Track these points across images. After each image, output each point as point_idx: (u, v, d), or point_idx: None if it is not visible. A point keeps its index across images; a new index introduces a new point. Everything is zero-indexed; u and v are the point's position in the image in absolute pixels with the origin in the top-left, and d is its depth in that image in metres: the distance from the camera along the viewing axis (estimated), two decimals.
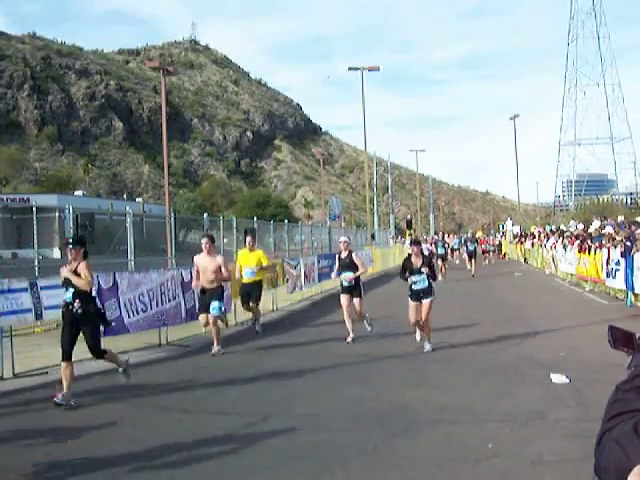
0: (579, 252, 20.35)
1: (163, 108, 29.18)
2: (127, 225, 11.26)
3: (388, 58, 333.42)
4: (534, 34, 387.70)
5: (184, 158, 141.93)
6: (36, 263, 10.99)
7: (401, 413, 6.51)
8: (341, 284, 11.39)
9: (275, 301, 16.01)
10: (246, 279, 12.42)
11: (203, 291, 10.22)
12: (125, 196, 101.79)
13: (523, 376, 7.99)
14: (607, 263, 16.57)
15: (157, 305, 10.82)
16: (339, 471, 4.92)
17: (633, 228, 17.00)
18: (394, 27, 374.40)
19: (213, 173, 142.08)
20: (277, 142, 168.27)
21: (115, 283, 9.93)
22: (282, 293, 16.68)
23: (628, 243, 15.20)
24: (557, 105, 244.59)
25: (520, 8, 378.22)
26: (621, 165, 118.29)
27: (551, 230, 33.28)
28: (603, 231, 20.14)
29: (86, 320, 7.07)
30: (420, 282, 9.70)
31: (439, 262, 26.49)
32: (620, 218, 26.07)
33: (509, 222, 55.07)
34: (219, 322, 10.45)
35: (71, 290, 7.03)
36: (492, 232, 76.85)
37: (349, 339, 10.94)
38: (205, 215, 14.35)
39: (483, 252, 38.34)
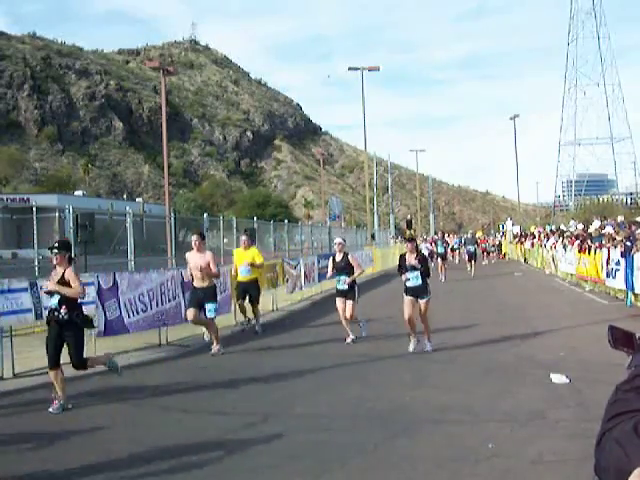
0: (579, 252, 20.35)
1: (163, 108, 29.22)
2: (127, 225, 11.26)
3: (388, 58, 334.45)
4: (534, 34, 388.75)
5: (184, 158, 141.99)
6: (36, 263, 11.00)
7: (401, 413, 6.50)
8: (336, 287, 11.34)
9: (275, 301, 16.02)
10: (241, 277, 12.47)
11: (194, 288, 10.23)
12: (125, 196, 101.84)
13: (523, 376, 7.98)
14: (607, 263, 16.57)
15: (157, 305, 10.82)
16: (339, 471, 4.92)
17: (633, 228, 17.00)
18: (394, 27, 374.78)
19: (213, 173, 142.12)
20: (277, 142, 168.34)
21: (115, 283, 9.92)
22: (282, 293, 16.68)
23: (628, 243, 15.20)
24: (557, 105, 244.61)
25: (520, 8, 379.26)
26: (621, 165, 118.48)
27: (551, 230, 33.28)
28: (603, 231, 20.14)
29: (71, 327, 6.90)
30: (413, 279, 9.71)
31: (439, 261, 26.53)
32: (620, 218, 26.04)
33: (509, 222, 55.10)
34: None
35: (57, 297, 6.87)
36: (492, 232, 76.84)
37: (349, 339, 10.93)
38: (205, 215, 14.35)
39: (483, 251, 38.36)
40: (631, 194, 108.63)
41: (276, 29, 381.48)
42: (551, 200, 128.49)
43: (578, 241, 21.46)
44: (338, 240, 11.63)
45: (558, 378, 7.50)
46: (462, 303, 17.17)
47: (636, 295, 14.42)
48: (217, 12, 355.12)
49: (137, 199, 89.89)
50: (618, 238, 16.80)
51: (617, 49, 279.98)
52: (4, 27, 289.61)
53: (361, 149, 56.07)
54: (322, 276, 19.35)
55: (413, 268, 9.73)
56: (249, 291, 12.45)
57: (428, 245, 31.93)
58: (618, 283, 15.69)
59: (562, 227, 33.79)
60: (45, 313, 7.66)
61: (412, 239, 10.53)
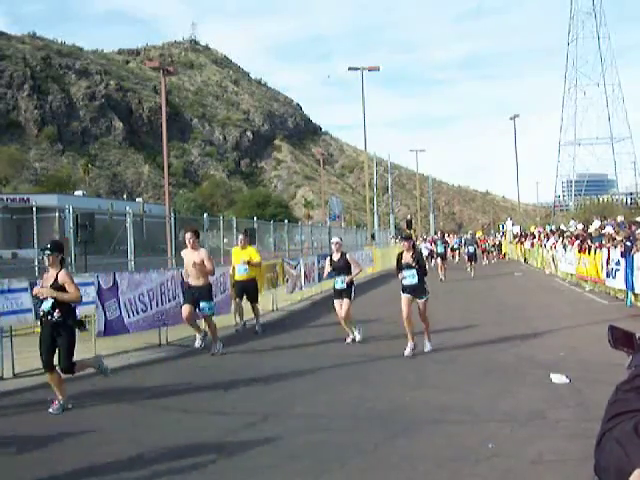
0: (579, 252, 20.35)
1: (163, 108, 29.21)
2: (127, 225, 11.26)
3: (388, 58, 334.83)
4: (534, 34, 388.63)
5: (184, 158, 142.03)
6: (36, 263, 10.98)
7: (401, 413, 6.50)
8: (334, 287, 11.22)
9: (275, 301, 16.02)
10: (238, 276, 12.46)
11: (189, 287, 10.22)
12: (125, 196, 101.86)
13: (523, 376, 7.98)
14: (607, 263, 16.57)
15: (157, 305, 10.82)
16: (338, 471, 4.92)
17: (633, 228, 16.99)
18: (394, 27, 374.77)
19: (213, 173, 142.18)
20: (277, 142, 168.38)
21: (115, 283, 9.93)
22: (282, 293, 16.68)
23: (628, 243, 15.20)
24: (557, 105, 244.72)
25: (520, 8, 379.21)
26: (621, 165, 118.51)
27: (551, 230, 33.27)
28: (603, 231, 20.13)
29: (64, 330, 6.85)
30: (410, 277, 9.70)
31: (439, 261, 26.51)
32: (620, 218, 26.02)
33: (509, 222, 55.10)
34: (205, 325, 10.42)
35: (50, 300, 6.81)
36: (492, 232, 76.85)
37: (349, 340, 10.92)
38: (205, 215, 14.36)
39: (483, 252, 38.34)
40: (631, 194, 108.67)
41: (276, 29, 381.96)
42: (551, 200, 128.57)
43: (578, 241, 21.46)
44: (335, 240, 11.57)
45: (558, 378, 7.50)
46: (462, 303, 17.17)
47: (636, 295, 14.42)
48: (217, 12, 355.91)
49: (137, 199, 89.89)
50: (618, 238, 16.80)
51: (617, 49, 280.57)
52: (4, 27, 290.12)
53: (361, 149, 56.08)
54: (322, 276, 19.36)
55: (409, 266, 9.73)
56: (247, 290, 12.44)
57: (428, 245, 31.94)
58: (618, 283, 15.69)
59: (562, 227, 33.78)
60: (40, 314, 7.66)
61: (408, 237, 10.53)
